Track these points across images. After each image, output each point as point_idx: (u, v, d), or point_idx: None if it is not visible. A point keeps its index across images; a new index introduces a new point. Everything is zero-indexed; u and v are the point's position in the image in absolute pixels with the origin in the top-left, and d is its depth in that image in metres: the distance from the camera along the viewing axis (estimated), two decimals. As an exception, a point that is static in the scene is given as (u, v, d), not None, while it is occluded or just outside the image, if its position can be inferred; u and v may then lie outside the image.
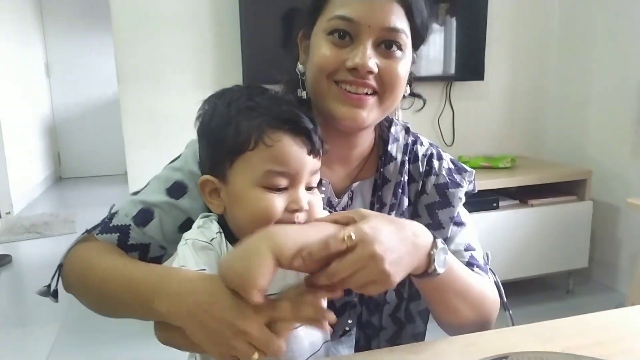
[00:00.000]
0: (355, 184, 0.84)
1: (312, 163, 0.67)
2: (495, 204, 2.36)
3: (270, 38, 2.17)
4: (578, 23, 2.70)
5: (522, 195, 2.45)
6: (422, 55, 2.85)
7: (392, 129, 0.86)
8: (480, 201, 2.33)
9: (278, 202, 0.65)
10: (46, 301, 0.80)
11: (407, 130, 0.88)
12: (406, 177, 0.84)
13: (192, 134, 0.87)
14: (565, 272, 2.54)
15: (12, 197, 4.05)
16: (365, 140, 0.84)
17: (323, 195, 0.82)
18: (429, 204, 0.84)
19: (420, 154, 0.86)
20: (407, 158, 0.85)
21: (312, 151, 0.67)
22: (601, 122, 2.62)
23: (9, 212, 4.01)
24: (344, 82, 0.74)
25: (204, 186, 0.69)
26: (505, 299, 0.84)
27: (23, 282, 2.87)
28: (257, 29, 2.21)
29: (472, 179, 0.87)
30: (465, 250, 0.83)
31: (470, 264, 0.81)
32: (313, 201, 0.68)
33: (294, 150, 0.65)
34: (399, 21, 0.73)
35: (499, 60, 2.72)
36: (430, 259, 0.66)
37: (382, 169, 0.84)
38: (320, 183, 0.82)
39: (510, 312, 0.86)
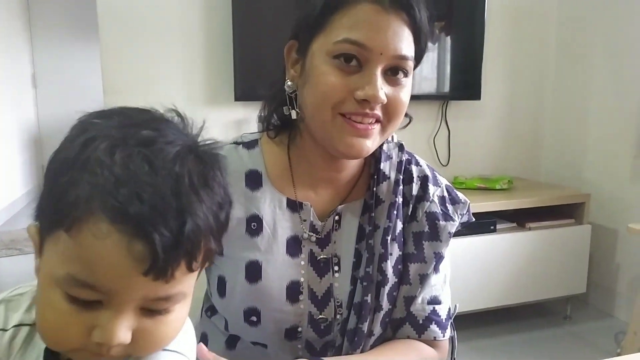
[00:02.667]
0: (340, 207, 0.79)
1: (147, 286, 0.42)
2: (492, 227, 2.30)
3: (264, 53, 2.10)
4: (575, 44, 2.67)
5: (519, 217, 2.39)
6: (418, 73, 2.78)
7: (385, 146, 0.82)
8: (478, 224, 2.26)
9: (74, 323, 0.43)
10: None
11: (400, 148, 0.83)
12: (401, 199, 0.79)
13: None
14: (563, 297, 2.48)
15: (-8, 210, 3.92)
16: (355, 163, 0.79)
17: (305, 220, 0.77)
18: (417, 232, 0.80)
19: (414, 175, 0.82)
20: (401, 177, 0.80)
21: (152, 272, 0.41)
22: (599, 145, 2.58)
23: (-11, 227, 3.88)
24: (351, 114, 0.68)
25: (30, 233, 0.48)
26: (455, 355, 0.84)
27: None
28: (250, 44, 2.14)
29: (464, 211, 0.82)
30: (429, 303, 0.79)
31: (429, 320, 0.78)
32: (146, 332, 0.45)
33: (118, 262, 0.41)
34: (409, 48, 0.69)
35: (496, 79, 2.69)
36: None
37: (374, 188, 0.78)
38: (301, 206, 0.77)
39: None
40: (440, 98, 2.59)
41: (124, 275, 0.41)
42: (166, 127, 0.46)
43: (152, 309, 0.45)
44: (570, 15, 2.68)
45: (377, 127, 0.71)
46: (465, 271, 2.24)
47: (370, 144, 0.71)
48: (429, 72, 2.51)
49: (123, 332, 0.43)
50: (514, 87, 2.75)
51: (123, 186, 0.41)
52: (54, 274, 0.43)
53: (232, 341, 0.81)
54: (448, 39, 2.50)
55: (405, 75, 0.71)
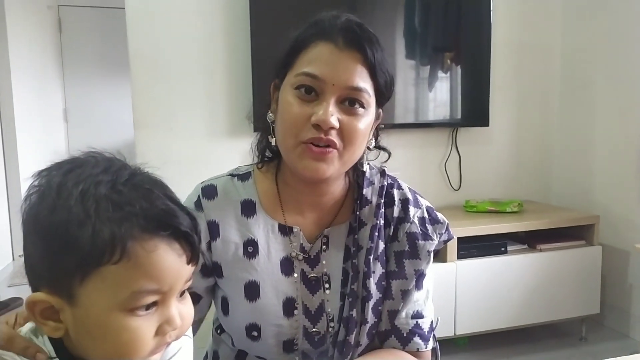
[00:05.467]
0: (327, 229, 0.87)
1: (188, 273, 0.55)
2: (503, 249, 2.36)
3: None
4: (579, 70, 2.76)
5: (530, 240, 2.45)
6: (429, 101, 2.88)
7: (367, 173, 0.88)
8: (489, 245, 2.34)
9: (148, 328, 0.51)
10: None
11: (382, 174, 0.90)
12: (382, 221, 0.86)
13: (201, 178, 0.91)
14: (577, 318, 2.50)
15: (25, 239, 4.10)
16: (336, 188, 0.87)
17: (295, 243, 0.85)
18: (398, 251, 0.86)
19: (396, 198, 0.88)
20: (382, 201, 0.86)
21: (192, 259, 0.54)
22: (607, 167, 2.64)
23: (22, 255, 4.05)
24: (309, 139, 0.76)
25: (32, 306, 0.51)
26: None
27: (33, 325, 2.87)
28: (267, 80, 2.28)
29: (443, 230, 0.88)
30: (413, 317, 0.85)
31: (412, 332, 0.84)
32: (185, 313, 0.55)
33: (172, 262, 0.52)
34: (362, 81, 0.77)
35: (504, 106, 2.78)
36: None
37: (357, 212, 0.86)
38: (291, 230, 0.86)
39: None
40: (450, 125, 2.69)
41: (178, 269, 0.52)
42: (122, 164, 0.56)
43: (182, 292, 0.56)
44: (574, 45, 2.78)
45: (334, 152, 0.77)
46: (477, 292, 2.29)
47: (326, 167, 0.77)
48: (438, 100, 2.62)
49: (177, 317, 0.54)
50: (522, 114, 2.84)
51: (144, 210, 0.50)
52: (110, 303, 0.49)
53: (241, 356, 0.89)
54: (457, 69, 2.62)
55: (362, 106, 0.77)
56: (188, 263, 0.54)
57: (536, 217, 2.45)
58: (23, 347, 0.54)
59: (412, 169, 2.66)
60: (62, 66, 5.41)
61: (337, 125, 0.75)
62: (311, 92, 0.77)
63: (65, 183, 0.50)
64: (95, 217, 0.48)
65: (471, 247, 2.29)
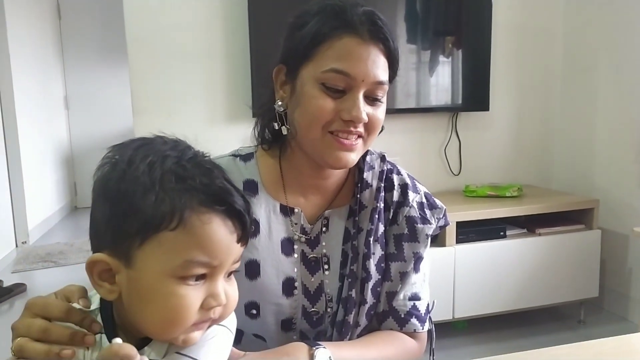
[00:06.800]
0: (328, 211, 0.88)
1: (238, 251, 0.58)
2: (502, 233, 2.37)
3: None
4: (580, 56, 2.75)
5: (530, 224, 2.45)
6: (430, 85, 2.87)
7: (368, 158, 0.90)
8: (488, 230, 2.35)
9: (194, 298, 0.54)
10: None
11: (382, 159, 0.92)
12: (382, 204, 0.88)
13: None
14: (576, 301, 2.52)
15: (28, 226, 4.13)
16: (340, 172, 0.88)
17: (296, 223, 0.87)
18: (398, 234, 0.88)
19: (395, 183, 0.90)
20: (382, 185, 0.89)
21: (242, 238, 0.58)
22: (607, 151, 2.64)
23: (25, 242, 4.09)
24: (338, 131, 0.79)
25: (92, 266, 0.55)
26: (433, 346, 0.92)
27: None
28: (267, 65, 2.28)
29: (441, 215, 0.91)
30: (410, 299, 0.88)
31: (409, 314, 0.87)
32: (230, 294, 0.58)
33: (223, 236, 0.55)
34: (384, 74, 0.80)
35: (504, 91, 2.77)
36: None
37: (358, 195, 0.88)
38: (292, 211, 0.87)
39: (434, 357, 0.94)
40: (450, 110, 2.68)
41: (228, 245, 0.56)
42: (187, 145, 0.61)
43: (229, 273, 0.59)
44: (575, 29, 2.76)
45: (359, 142, 0.81)
46: (476, 276, 2.31)
47: (354, 157, 0.81)
48: (439, 85, 2.61)
49: (223, 294, 0.57)
50: (522, 98, 2.83)
51: (204, 185, 0.55)
52: (165, 267, 0.53)
53: (237, 336, 0.89)
54: (457, 53, 2.60)
55: (382, 96, 0.81)
56: (238, 242, 0.57)
57: (536, 201, 2.46)
58: (80, 318, 0.58)
59: (412, 154, 2.67)
60: (62, 53, 5.39)
61: (367, 120, 0.79)
62: (341, 87, 0.78)
63: (135, 156, 0.55)
64: (160, 186, 0.53)
65: (470, 231, 2.31)
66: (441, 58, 2.59)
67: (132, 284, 0.54)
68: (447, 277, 2.27)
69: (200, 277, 0.55)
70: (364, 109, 0.78)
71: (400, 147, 2.61)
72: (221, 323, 0.62)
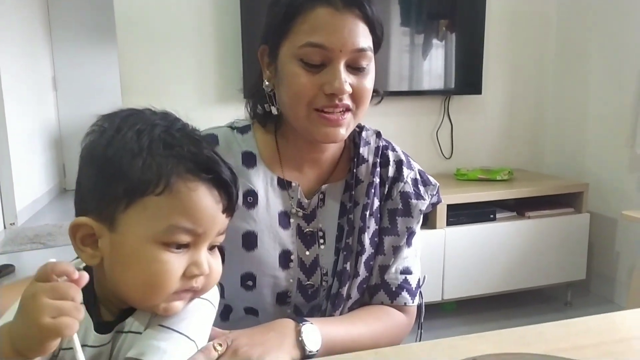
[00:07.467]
0: (324, 186, 0.88)
1: (223, 222, 0.58)
2: (492, 216, 2.38)
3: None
4: (573, 41, 2.74)
5: (519, 207, 2.47)
6: (423, 68, 2.85)
7: (364, 134, 0.91)
8: (478, 212, 2.36)
9: (177, 265, 0.54)
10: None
11: (377, 135, 0.92)
12: (378, 179, 0.88)
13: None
14: (563, 284, 2.55)
15: (16, 208, 4.10)
16: (336, 145, 0.88)
17: (293, 197, 0.87)
18: (392, 209, 0.89)
19: (391, 159, 0.90)
20: (378, 160, 0.89)
21: (227, 209, 0.58)
22: (598, 136, 2.65)
23: (13, 223, 4.06)
24: (323, 107, 0.77)
25: (75, 230, 0.55)
26: (422, 320, 0.93)
27: (26, 292, 2.90)
28: (257, 45, 2.26)
29: (434, 192, 0.91)
30: (402, 273, 0.88)
31: (400, 287, 0.87)
32: (213, 266, 0.58)
33: (209, 204, 0.56)
34: (365, 40, 0.77)
35: (497, 75, 2.77)
36: (301, 344, 0.73)
37: (354, 170, 0.88)
38: (290, 185, 0.87)
39: (422, 331, 0.95)
40: (442, 93, 2.68)
41: (213, 214, 0.56)
42: (177, 117, 0.61)
43: (213, 246, 0.59)
44: (569, 13, 2.75)
45: (348, 115, 0.79)
46: (466, 258, 2.33)
47: (343, 131, 0.80)
48: (432, 68, 2.60)
49: (206, 264, 0.57)
50: (515, 82, 2.83)
51: (192, 154, 0.55)
52: (148, 231, 0.53)
53: (225, 312, 0.90)
54: (451, 37, 2.59)
55: (368, 64, 0.78)
56: (223, 212, 0.57)
57: (526, 185, 2.47)
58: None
59: (404, 136, 2.66)
60: (50, 34, 5.30)
61: (350, 90, 0.77)
62: (318, 61, 0.76)
63: (124, 123, 0.56)
64: (147, 152, 0.54)
65: (460, 214, 2.32)
66: (434, 41, 2.57)
67: (115, 248, 0.54)
68: (437, 259, 2.29)
69: (184, 247, 0.55)
70: (347, 80, 0.76)
71: (392, 130, 2.60)
72: (204, 297, 0.62)
